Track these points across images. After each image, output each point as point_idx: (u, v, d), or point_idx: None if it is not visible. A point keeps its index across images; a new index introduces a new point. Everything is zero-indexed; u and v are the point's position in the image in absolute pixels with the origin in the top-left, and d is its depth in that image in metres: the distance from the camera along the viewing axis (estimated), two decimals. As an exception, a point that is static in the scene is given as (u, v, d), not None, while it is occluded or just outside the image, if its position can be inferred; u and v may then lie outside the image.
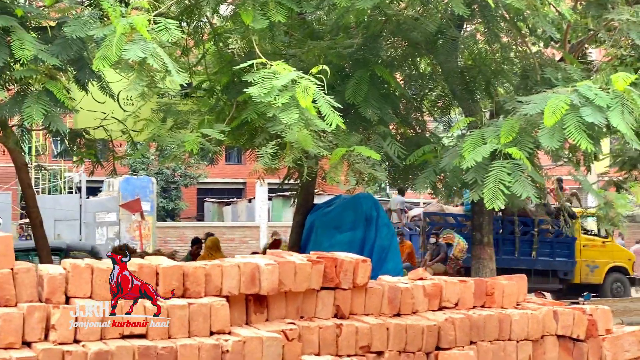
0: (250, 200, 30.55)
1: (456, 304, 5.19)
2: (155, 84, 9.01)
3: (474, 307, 5.26)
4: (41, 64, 7.57)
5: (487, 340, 5.06)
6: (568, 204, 19.74)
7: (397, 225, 18.44)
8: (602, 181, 18.83)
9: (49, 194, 27.65)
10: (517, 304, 5.42)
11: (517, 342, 5.17)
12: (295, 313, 4.72)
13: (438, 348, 4.91)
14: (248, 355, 4.12)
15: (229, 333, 4.26)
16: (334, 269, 4.73)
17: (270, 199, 27.57)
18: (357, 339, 4.72)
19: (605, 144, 17.35)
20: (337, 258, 4.77)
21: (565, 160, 12.07)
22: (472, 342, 5.00)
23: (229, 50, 9.37)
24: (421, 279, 5.25)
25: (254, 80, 7.21)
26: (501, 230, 17.67)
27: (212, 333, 4.29)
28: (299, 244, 12.39)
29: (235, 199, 34.07)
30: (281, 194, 25.08)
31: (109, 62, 6.76)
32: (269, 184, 21.71)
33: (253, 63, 7.43)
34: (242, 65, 7.55)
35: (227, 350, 4.09)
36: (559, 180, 17.73)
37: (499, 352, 5.06)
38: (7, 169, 23.16)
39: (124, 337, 4.17)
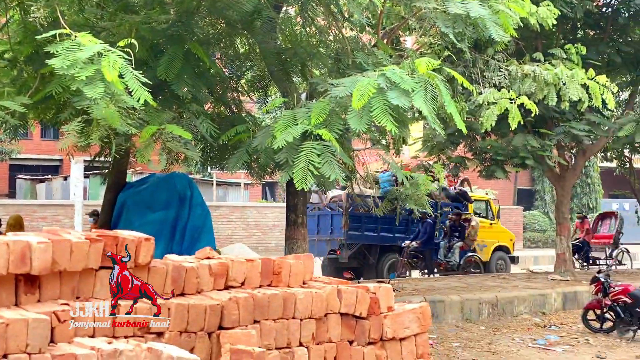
0: (66, 178, 29.48)
1: (243, 283, 5.17)
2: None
3: (261, 286, 5.27)
4: None
5: (271, 318, 5.08)
6: (464, 188, 21.21)
7: (318, 205, 19.84)
8: (413, 164, 19.66)
9: None
10: (304, 283, 5.48)
11: (301, 320, 5.22)
12: (71, 293, 4.46)
13: (221, 327, 4.88)
14: (11, 339, 3.84)
15: (-7, 315, 4.00)
16: (115, 247, 4.56)
17: (87, 176, 26.72)
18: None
19: (419, 130, 18.09)
20: (119, 236, 4.60)
21: (377, 143, 12.44)
22: (256, 321, 5.00)
23: (32, 19, 8.91)
24: (208, 257, 5.20)
25: (57, 52, 6.90)
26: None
27: (-29, 316, 3.98)
28: (109, 223, 12.05)
29: (49, 176, 32.79)
30: (99, 172, 24.35)
31: None
32: (86, 161, 21.01)
33: (57, 33, 7.11)
34: (44, 35, 7.20)
35: (-11, 332, 3.83)
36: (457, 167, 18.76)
37: (282, 330, 5.10)
38: None
39: None
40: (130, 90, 7.08)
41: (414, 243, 18.70)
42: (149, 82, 7.23)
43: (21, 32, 10.09)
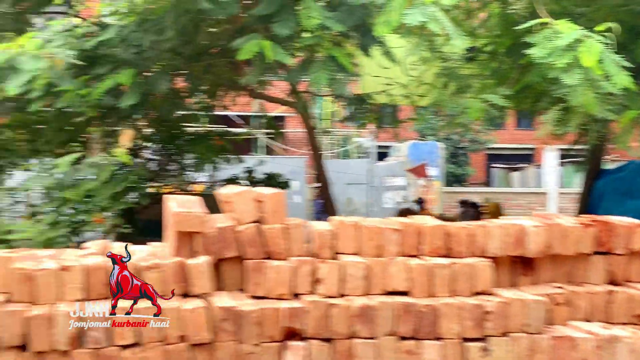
0: (539, 166, 29.85)
1: None
2: (437, 48, 9.04)
3: None
4: (327, 31, 7.77)
5: None
6: None
7: None
8: None
9: (343, 158, 28.73)
10: None
11: None
12: (564, 277, 4.57)
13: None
14: (511, 317, 4.06)
15: (491, 294, 4.25)
16: (606, 233, 4.53)
17: (561, 164, 26.70)
18: (631, 306, 4.50)
19: None
20: (609, 222, 4.56)
21: None
22: None
23: (512, 11, 9.17)
24: None
25: (536, 41, 7.03)
26: None
27: (474, 294, 4.26)
28: (586, 210, 11.93)
29: (523, 165, 33.45)
30: (572, 159, 24.23)
31: (390, 28, 6.89)
32: (560, 149, 21.11)
33: (534, 23, 7.24)
34: (523, 26, 7.38)
35: (490, 311, 4.07)
36: None
37: None
38: (302, 134, 24.35)
39: (387, 293, 4.29)
40: (608, 75, 6.93)
41: None
42: (631, 65, 7.00)
43: (501, 25, 10.46)
